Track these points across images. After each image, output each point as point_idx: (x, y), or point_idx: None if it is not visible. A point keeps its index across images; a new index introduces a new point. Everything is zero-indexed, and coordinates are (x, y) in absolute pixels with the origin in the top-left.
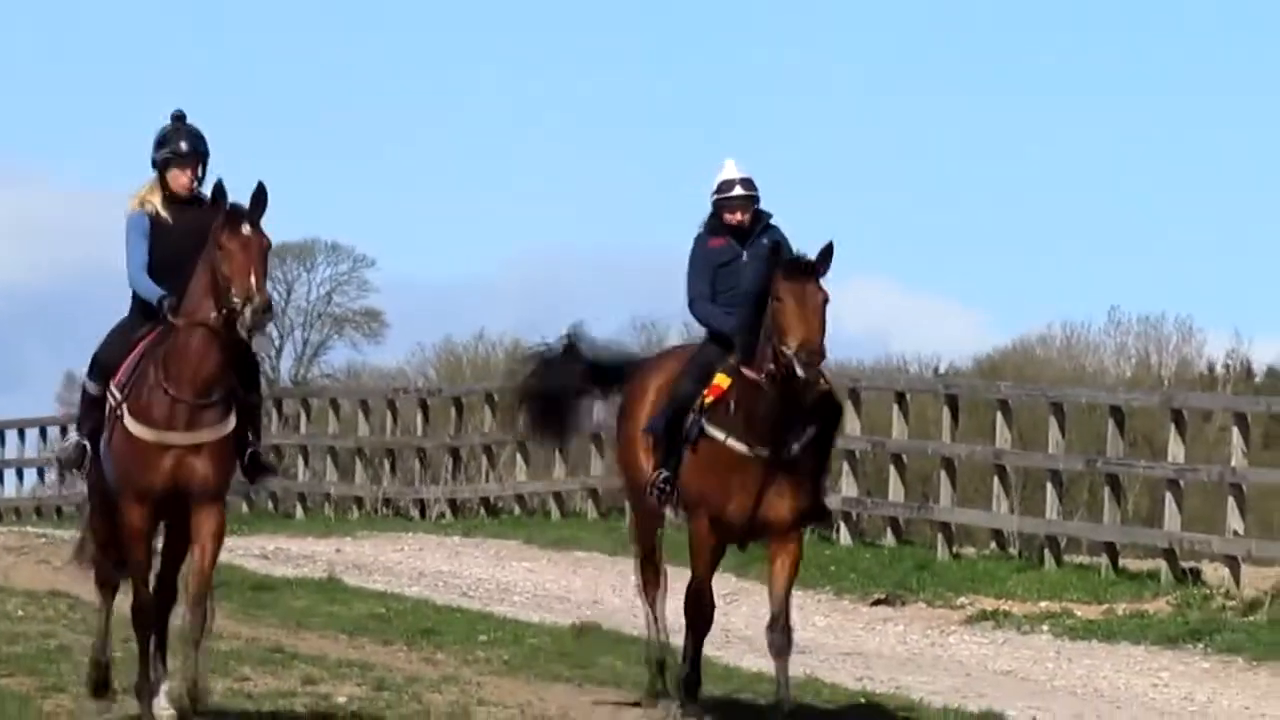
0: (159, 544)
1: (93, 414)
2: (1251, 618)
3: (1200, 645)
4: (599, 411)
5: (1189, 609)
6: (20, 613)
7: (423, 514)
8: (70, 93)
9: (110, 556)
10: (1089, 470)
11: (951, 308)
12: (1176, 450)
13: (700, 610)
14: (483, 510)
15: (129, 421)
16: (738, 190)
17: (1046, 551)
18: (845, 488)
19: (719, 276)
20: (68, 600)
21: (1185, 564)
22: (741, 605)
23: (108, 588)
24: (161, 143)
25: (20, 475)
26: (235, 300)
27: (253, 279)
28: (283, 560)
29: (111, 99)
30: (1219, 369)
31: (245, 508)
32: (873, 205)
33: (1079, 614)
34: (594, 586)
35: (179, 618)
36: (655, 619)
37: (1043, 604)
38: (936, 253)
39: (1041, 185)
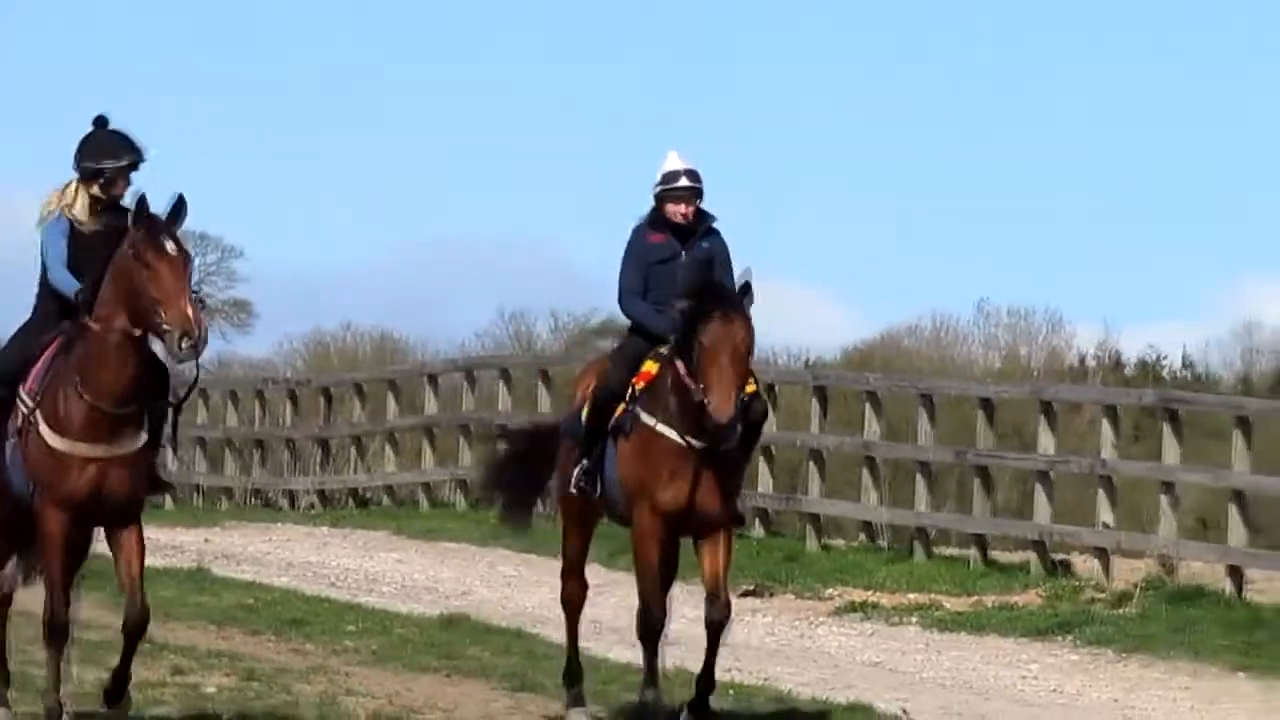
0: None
1: None
2: (1121, 610)
3: (1069, 637)
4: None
5: (1059, 601)
6: None
7: (292, 504)
8: None
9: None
10: (958, 462)
11: (820, 299)
12: (1046, 442)
13: (649, 623)
14: (351, 501)
15: (45, 431)
16: (683, 181)
17: (916, 543)
18: None
19: (654, 273)
20: None
21: (1055, 556)
22: (610, 596)
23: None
24: (97, 152)
25: None
26: (166, 327)
27: (190, 310)
28: (151, 550)
29: None
30: (1089, 361)
31: None
32: (740, 196)
33: (948, 606)
34: (462, 577)
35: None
36: (573, 636)
37: (911, 596)
38: (805, 244)
39: (910, 177)
